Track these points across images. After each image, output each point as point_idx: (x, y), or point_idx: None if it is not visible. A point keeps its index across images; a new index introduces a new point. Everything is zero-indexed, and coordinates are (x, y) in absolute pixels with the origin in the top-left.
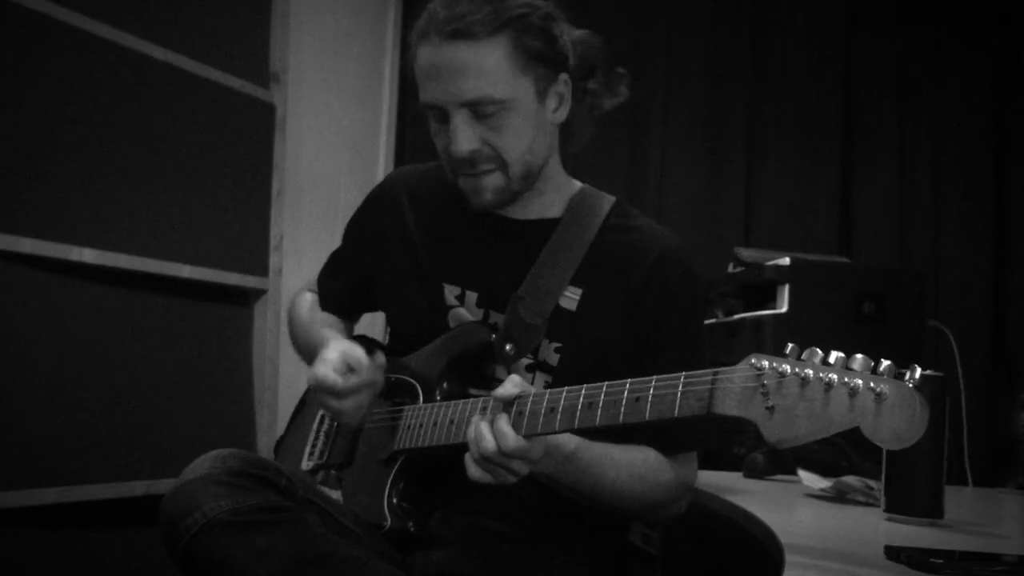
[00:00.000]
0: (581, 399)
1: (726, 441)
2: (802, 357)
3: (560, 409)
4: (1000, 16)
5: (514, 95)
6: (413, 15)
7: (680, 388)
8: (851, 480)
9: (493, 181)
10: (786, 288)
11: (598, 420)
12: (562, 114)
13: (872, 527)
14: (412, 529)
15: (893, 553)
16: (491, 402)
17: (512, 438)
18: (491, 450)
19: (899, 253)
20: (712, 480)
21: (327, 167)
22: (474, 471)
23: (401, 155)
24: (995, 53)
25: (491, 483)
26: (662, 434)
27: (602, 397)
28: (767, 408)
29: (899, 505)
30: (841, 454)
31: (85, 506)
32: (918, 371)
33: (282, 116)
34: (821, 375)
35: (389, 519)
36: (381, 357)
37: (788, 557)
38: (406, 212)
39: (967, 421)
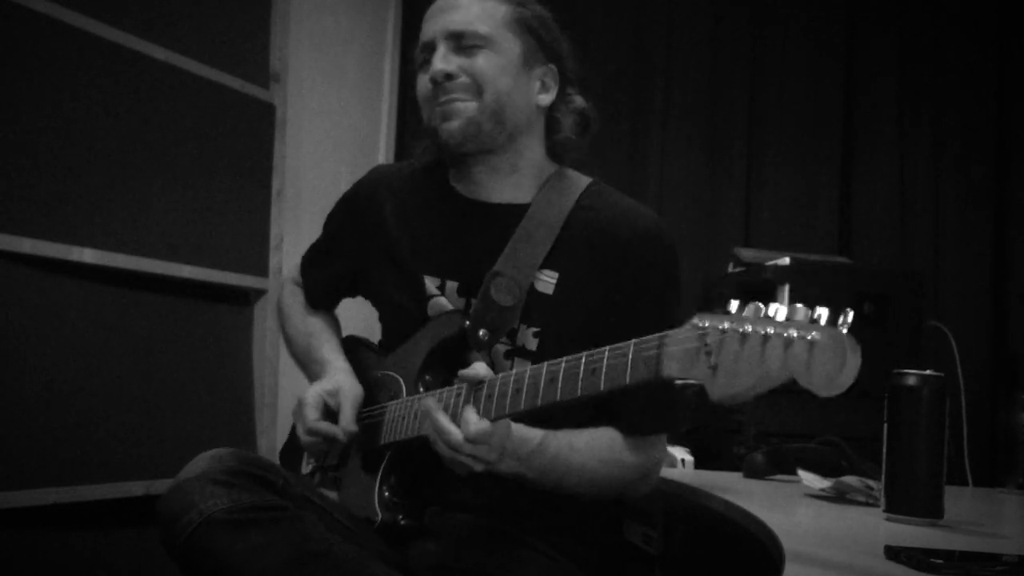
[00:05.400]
0: (543, 375)
1: (706, 420)
2: (744, 313)
3: (524, 388)
4: (1000, 16)
5: (499, 39)
6: (413, 15)
7: (630, 355)
8: (851, 480)
9: (465, 108)
10: (786, 288)
11: (559, 395)
12: (546, 99)
13: (872, 527)
14: (403, 522)
15: (893, 553)
16: (464, 388)
17: (473, 423)
18: (456, 440)
19: (899, 253)
20: (712, 480)
21: (327, 167)
22: (445, 453)
23: (401, 155)
24: (995, 53)
25: (461, 472)
26: (627, 414)
27: (561, 372)
28: (710, 367)
29: (899, 505)
30: (841, 454)
31: (85, 506)
32: (850, 314)
33: (282, 116)
34: (759, 329)
35: (380, 513)
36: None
37: (788, 557)
38: (383, 207)
39: (967, 421)
